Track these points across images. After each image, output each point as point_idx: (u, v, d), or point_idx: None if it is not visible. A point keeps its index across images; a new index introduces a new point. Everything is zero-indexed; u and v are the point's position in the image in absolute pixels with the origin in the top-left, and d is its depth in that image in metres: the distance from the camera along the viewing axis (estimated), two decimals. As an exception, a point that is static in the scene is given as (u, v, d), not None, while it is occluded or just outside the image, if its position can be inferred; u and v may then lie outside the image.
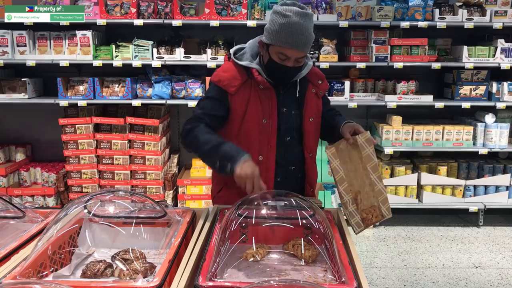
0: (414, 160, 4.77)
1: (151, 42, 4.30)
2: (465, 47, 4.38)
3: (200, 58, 4.31)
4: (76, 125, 4.33)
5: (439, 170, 4.60)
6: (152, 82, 4.40)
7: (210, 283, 1.31)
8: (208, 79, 4.29)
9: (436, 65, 4.35)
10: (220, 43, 4.40)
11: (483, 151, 4.47)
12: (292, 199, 1.71)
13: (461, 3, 4.41)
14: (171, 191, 4.52)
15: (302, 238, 1.63)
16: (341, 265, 1.43)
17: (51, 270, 1.50)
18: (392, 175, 4.63)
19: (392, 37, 4.46)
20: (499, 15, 4.32)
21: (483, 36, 4.71)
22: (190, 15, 4.31)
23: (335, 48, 4.41)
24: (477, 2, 4.44)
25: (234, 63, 2.05)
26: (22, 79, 4.35)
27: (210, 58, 4.28)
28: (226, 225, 1.62)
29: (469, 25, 4.30)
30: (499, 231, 4.54)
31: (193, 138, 1.95)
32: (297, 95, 2.07)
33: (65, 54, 4.30)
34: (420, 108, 4.72)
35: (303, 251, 1.58)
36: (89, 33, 4.22)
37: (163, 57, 4.29)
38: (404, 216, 4.76)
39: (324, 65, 4.29)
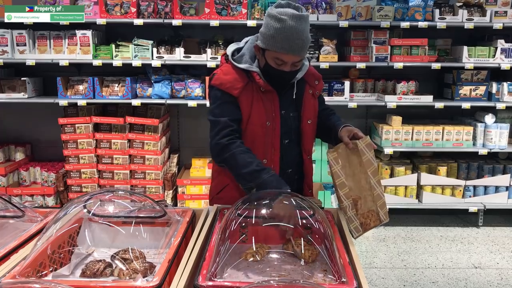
0: (414, 160, 4.77)
1: (151, 42, 4.30)
2: (465, 48, 4.38)
3: (200, 58, 4.31)
4: (76, 125, 4.33)
5: (439, 170, 4.60)
6: (152, 81, 4.40)
7: (210, 283, 1.31)
8: (208, 78, 4.31)
9: (436, 65, 4.35)
10: (220, 43, 4.40)
11: (483, 151, 4.46)
12: (292, 199, 1.70)
13: (461, 4, 4.41)
14: (171, 191, 4.52)
15: (302, 238, 1.62)
16: (341, 265, 1.43)
17: (51, 269, 1.50)
18: (391, 175, 4.63)
19: (392, 37, 4.46)
20: (499, 16, 4.32)
21: (483, 37, 4.71)
22: (190, 14, 4.31)
23: (335, 48, 4.41)
24: (477, 2, 4.44)
25: (233, 65, 2.01)
26: (22, 79, 4.35)
27: (210, 58, 4.28)
28: (226, 224, 1.62)
29: (469, 25, 4.30)
30: (499, 231, 4.54)
31: (230, 157, 1.90)
32: (294, 97, 2.06)
33: (65, 54, 4.30)
34: (420, 108, 4.72)
35: (303, 251, 1.58)
36: (89, 33, 4.22)
37: (163, 57, 4.28)
38: (404, 216, 4.76)
39: (324, 65, 4.29)
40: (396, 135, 4.49)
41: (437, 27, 4.29)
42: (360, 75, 4.71)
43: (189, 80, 4.39)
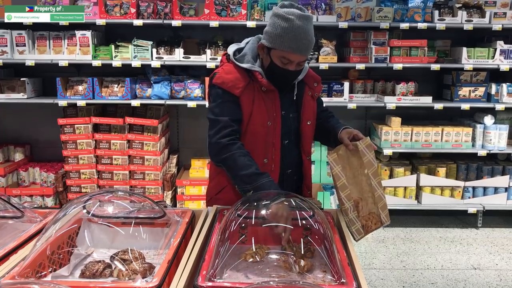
0: (413, 161, 4.77)
1: (150, 42, 4.30)
2: (465, 49, 4.38)
3: (200, 59, 4.31)
4: (75, 125, 4.32)
5: (438, 171, 4.60)
6: (152, 82, 4.40)
7: (210, 284, 1.31)
8: (207, 79, 4.31)
9: (436, 67, 4.35)
10: (220, 44, 4.40)
11: (482, 152, 4.47)
12: (292, 200, 1.70)
13: (460, 5, 4.42)
14: (170, 192, 4.52)
15: (299, 245, 1.62)
16: (340, 266, 1.43)
17: (50, 270, 1.50)
18: (391, 176, 4.63)
19: (392, 38, 4.47)
20: (499, 17, 4.33)
21: (482, 38, 4.72)
22: (190, 15, 4.31)
23: (334, 49, 4.41)
24: (476, 3, 4.45)
25: (235, 65, 2.00)
26: (21, 79, 4.35)
27: (210, 59, 4.28)
28: (226, 225, 1.62)
29: (468, 26, 4.30)
30: (498, 232, 4.55)
31: (229, 157, 1.89)
32: (295, 98, 2.06)
33: (64, 54, 4.30)
34: (419, 109, 4.73)
35: (299, 263, 1.57)
36: (88, 33, 4.22)
37: (163, 57, 4.28)
38: (403, 217, 4.76)
39: (323, 66, 4.29)
40: (396, 136, 4.49)
41: (437, 28, 4.29)
42: (359, 76, 4.72)
43: (189, 81, 4.39)
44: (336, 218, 1.91)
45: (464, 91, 4.53)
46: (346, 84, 4.46)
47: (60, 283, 1.25)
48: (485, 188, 4.61)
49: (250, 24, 4.18)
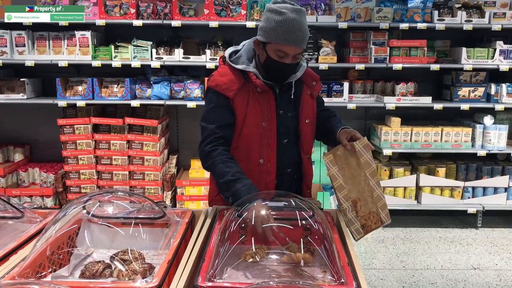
0: (413, 161, 4.77)
1: (150, 43, 4.30)
2: (464, 49, 4.38)
3: (199, 59, 4.31)
4: (75, 126, 4.32)
5: (438, 171, 4.61)
6: (151, 82, 4.40)
7: (209, 284, 1.31)
8: (207, 80, 4.31)
9: (435, 67, 4.35)
10: (220, 44, 4.40)
11: (482, 152, 4.47)
12: (291, 200, 1.71)
13: (460, 5, 4.42)
14: (170, 192, 4.52)
15: (301, 241, 1.62)
16: (340, 266, 1.43)
17: (50, 270, 1.50)
18: (390, 176, 4.63)
19: (391, 39, 4.47)
20: (498, 17, 4.33)
21: (482, 38, 4.72)
22: (189, 15, 4.31)
23: (334, 49, 4.42)
24: (476, 4, 4.45)
25: (230, 66, 2.03)
26: (21, 79, 4.35)
27: (209, 59, 4.28)
28: (226, 225, 1.62)
29: (468, 26, 4.31)
30: (498, 232, 4.55)
31: (211, 165, 1.96)
32: (292, 97, 2.07)
33: (64, 55, 4.30)
34: (419, 109, 4.73)
35: (302, 252, 1.58)
36: (88, 34, 4.22)
37: (162, 58, 4.28)
38: (403, 218, 4.76)
39: (323, 66, 4.29)
40: (395, 136, 4.50)
41: (436, 29, 4.29)
42: (359, 76, 4.72)
43: (188, 81, 4.39)
44: (336, 218, 1.91)
45: (463, 91, 4.54)
46: (346, 85, 4.47)
47: (60, 283, 1.25)
48: (484, 188, 4.61)
49: (250, 24, 4.18)
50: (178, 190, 4.53)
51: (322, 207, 1.97)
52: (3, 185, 4.40)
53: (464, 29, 4.31)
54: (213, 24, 4.18)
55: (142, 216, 1.78)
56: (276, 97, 2.04)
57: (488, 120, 4.48)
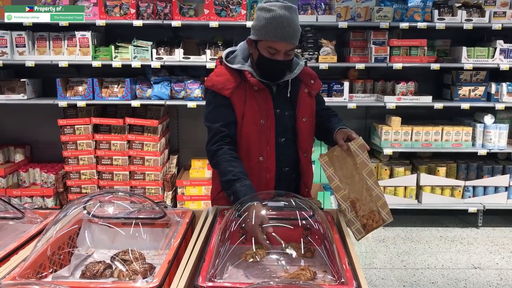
0: (413, 161, 4.77)
1: (150, 43, 4.30)
2: (464, 48, 4.38)
3: (200, 59, 4.31)
4: (75, 126, 4.33)
5: (438, 171, 4.60)
6: (152, 82, 4.40)
7: (210, 284, 1.32)
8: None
9: (435, 66, 4.35)
10: (220, 44, 4.40)
11: (482, 152, 4.47)
12: (291, 200, 1.71)
13: (460, 4, 4.42)
14: (170, 192, 4.52)
15: (301, 241, 1.62)
16: (340, 266, 1.43)
17: (51, 271, 1.50)
18: (391, 175, 4.63)
19: (391, 38, 4.47)
20: (498, 16, 4.33)
21: (482, 37, 4.71)
22: (190, 15, 4.31)
23: (334, 49, 4.41)
24: (476, 3, 4.45)
25: (226, 66, 2.05)
26: (21, 80, 4.35)
27: (210, 59, 4.28)
28: (226, 225, 1.62)
29: (468, 26, 4.30)
30: (498, 231, 4.55)
31: (216, 163, 1.99)
32: (289, 96, 2.07)
33: (64, 55, 4.30)
34: (419, 109, 4.73)
35: (302, 252, 1.58)
36: (88, 34, 4.22)
37: (163, 58, 4.29)
38: (403, 217, 4.76)
39: (323, 66, 4.29)
40: (396, 136, 4.49)
41: (436, 28, 4.29)
42: (359, 76, 4.72)
43: (189, 81, 4.39)
44: (336, 218, 1.91)
45: (464, 90, 4.53)
46: (346, 84, 4.46)
47: (61, 283, 1.25)
48: (485, 188, 4.61)
49: (250, 24, 4.16)
50: (179, 190, 4.54)
51: (322, 207, 1.97)
52: (4, 185, 4.40)
53: (464, 28, 4.31)
54: (213, 24, 4.18)
55: (143, 216, 1.78)
56: (273, 96, 2.05)
57: (488, 119, 4.48)
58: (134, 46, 4.28)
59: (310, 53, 4.33)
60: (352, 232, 1.90)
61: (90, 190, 4.43)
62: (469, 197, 4.60)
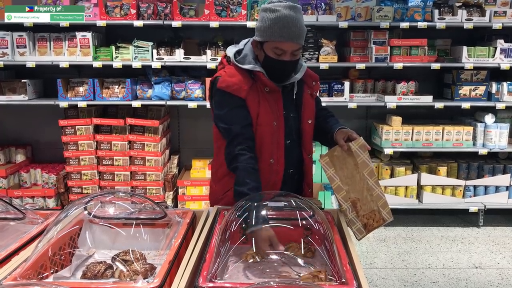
0: (414, 160, 4.77)
1: (151, 43, 4.30)
2: (465, 48, 4.38)
3: (200, 59, 4.31)
4: (76, 126, 4.33)
5: (439, 170, 4.60)
6: (152, 83, 4.41)
7: (210, 284, 1.32)
8: (208, 80, 4.31)
9: (436, 66, 4.35)
10: (220, 44, 4.41)
11: (483, 151, 4.47)
12: (292, 200, 1.71)
13: (460, 4, 4.41)
14: (171, 192, 4.52)
15: (302, 242, 1.62)
16: (341, 266, 1.43)
17: (52, 271, 1.51)
18: (392, 175, 4.63)
19: (392, 38, 4.46)
20: (499, 16, 4.33)
21: (482, 37, 4.71)
22: (190, 16, 4.31)
23: (334, 48, 4.41)
24: (476, 2, 4.44)
25: (236, 67, 2.00)
26: (22, 81, 4.36)
27: (210, 59, 4.28)
28: (226, 226, 1.62)
29: (468, 25, 4.30)
30: (499, 231, 4.54)
31: (235, 169, 1.93)
32: (294, 97, 2.06)
33: (65, 56, 4.30)
34: (419, 108, 4.72)
35: (303, 252, 1.58)
36: (89, 34, 4.22)
37: (163, 58, 4.29)
38: (404, 217, 4.76)
39: (324, 66, 4.29)
40: (396, 136, 4.49)
41: (437, 27, 4.29)
42: (360, 76, 4.72)
43: (189, 81, 4.39)
44: (337, 218, 1.92)
45: (464, 90, 4.53)
46: (347, 84, 4.47)
47: (62, 284, 1.26)
48: (486, 187, 4.61)
49: (250, 24, 4.19)
50: (180, 190, 4.54)
51: (323, 207, 1.97)
52: (5, 186, 4.41)
53: (464, 28, 4.30)
54: (214, 24, 4.18)
55: (143, 216, 1.79)
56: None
57: (489, 118, 4.48)
58: (134, 46, 4.29)
59: (311, 53, 4.33)
60: (353, 232, 1.90)
61: (91, 191, 4.43)
62: (470, 196, 4.60)
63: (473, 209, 4.54)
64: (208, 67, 4.28)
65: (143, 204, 1.83)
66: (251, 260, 1.55)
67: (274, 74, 1.98)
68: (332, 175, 1.93)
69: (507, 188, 4.58)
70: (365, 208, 1.92)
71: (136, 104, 4.31)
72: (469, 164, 4.66)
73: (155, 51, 4.29)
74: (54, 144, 4.66)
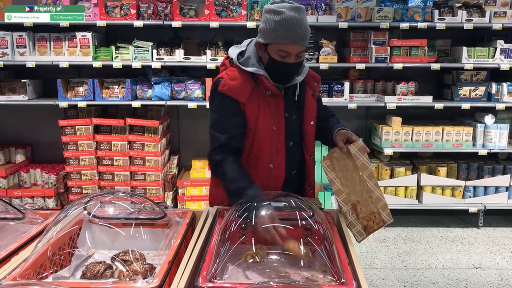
0: (414, 161, 4.77)
1: (150, 43, 4.30)
2: (465, 48, 4.38)
3: (200, 59, 4.31)
4: (76, 127, 4.33)
5: (439, 171, 4.60)
6: (152, 83, 4.41)
7: (210, 284, 1.32)
8: (208, 80, 4.32)
9: (436, 66, 4.35)
10: (220, 44, 4.41)
11: (483, 152, 4.47)
12: (291, 200, 1.71)
13: (460, 4, 4.41)
14: (171, 192, 4.52)
15: (301, 242, 1.62)
16: (340, 266, 1.43)
17: (51, 271, 1.51)
18: (391, 176, 4.63)
19: (392, 38, 4.47)
20: (499, 16, 4.33)
21: (482, 37, 4.71)
22: (190, 16, 4.31)
23: (334, 49, 4.41)
24: (476, 3, 4.44)
25: (239, 69, 1.97)
26: (22, 81, 4.36)
27: (210, 59, 4.28)
28: (226, 226, 1.62)
29: (468, 26, 4.30)
30: (499, 232, 4.54)
31: (222, 173, 1.94)
32: (296, 99, 2.05)
33: (65, 56, 4.30)
34: (419, 109, 4.72)
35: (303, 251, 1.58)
36: (88, 35, 4.23)
37: (163, 58, 4.29)
38: (404, 217, 4.76)
39: (323, 66, 4.29)
40: (396, 136, 4.49)
41: (437, 28, 4.29)
42: (359, 76, 4.72)
43: (189, 82, 4.39)
44: (337, 218, 1.92)
45: (464, 90, 4.53)
46: (347, 84, 4.47)
47: (61, 284, 1.26)
48: (486, 188, 4.61)
49: (250, 24, 4.19)
50: (179, 191, 4.54)
51: (322, 207, 1.97)
52: (5, 186, 4.41)
53: (464, 28, 4.30)
54: (214, 24, 4.18)
55: (143, 216, 1.79)
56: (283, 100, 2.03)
57: (489, 119, 4.48)
58: (134, 46, 4.29)
59: (311, 53, 4.33)
60: (353, 234, 1.90)
61: (91, 191, 4.43)
62: (470, 197, 4.60)
63: (472, 209, 4.54)
64: (208, 67, 4.28)
65: (143, 204, 1.84)
66: (251, 260, 1.55)
67: (278, 76, 1.96)
68: (333, 178, 1.92)
69: (507, 188, 4.58)
70: (365, 210, 1.92)
71: (136, 104, 4.31)
72: (469, 164, 4.67)
73: (155, 51, 4.29)
74: (54, 144, 4.66)
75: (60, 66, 4.25)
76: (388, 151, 4.49)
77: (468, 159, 4.71)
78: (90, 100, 4.31)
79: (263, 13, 1.91)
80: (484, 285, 3.50)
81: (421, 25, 4.27)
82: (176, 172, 4.79)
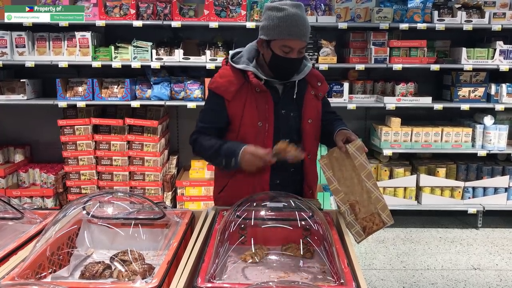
0: (413, 161, 4.77)
1: (150, 43, 4.30)
2: (464, 49, 4.38)
3: (199, 60, 4.31)
4: (75, 126, 4.33)
5: (438, 171, 4.60)
6: (151, 83, 4.40)
7: (209, 285, 1.32)
8: (207, 80, 4.32)
9: (435, 67, 4.35)
10: (220, 45, 4.41)
11: (482, 152, 4.47)
12: (291, 201, 1.71)
13: (460, 5, 4.42)
14: (170, 192, 4.52)
15: (301, 242, 1.62)
16: (340, 267, 1.43)
17: (50, 271, 1.50)
18: (391, 176, 4.63)
19: (391, 39, 4.47)
20: (498, 17, 4.33)
21: (482, 38, 4.72)
22: (189, 16, 4.31)
23: (334, 49, 4.42)
24: (476, 4, 4.45)
25: (232, 67, 2.06)
26: (21, 80, 4.35)
27: (209, 59, 4.28)
28: (225, 226, 1.62)
29: (468, 27, 4.31)
30: (498, 232, 4.55)
31: (200, 147, 2.07)
32: (295, 97, 2.07)
33: (64, 55, 4.30)
34: (419, 109, 4.73)
35: (302, 252, 1.58)
36: (88, 34, 4.22)
37: (162, 58, 4.29)
38: (403, 218, 4.76)
39: (323, 67, 4.29)
40: (395, 137, 4.50)
41: (436, 29, 4.29)
42: (359, 77, 4.72)
43: (188, 82, 4.39)
44: (336, 219, 1.91)
45: (463, 91, 4.53)
46: (346, 85, 4.47)
47: (60, 284, 1.26)
48: (485, 189, 4.61)
49: (250, 24, 4.19)
50: (178, 191, 4.53)
51: (322, 208, 1.97)
52: (4, 186, 4.40)
53: (464, 29, 4.31)
54: (213, 24, 4.18)
55: (142, 216, 1.78)
56: (278, 97, 2.05)
57: (488, 120, 4.48)
58: (134, 46, 4.28)
59: (310, 53, 4.33)
60: (352, 235, 1.89)
61: (90, 191, 4.42)
62: (469, 198, 4.60)
63: (471, 210, 4.54)
64: (207, 68, 4.28)
65: (142, 204, 1.83)
66: (250, 261, 1.55)
67: (281, 72, 2.02)
68: (330, 177, 1.92)
69: (506, 189, 4.59)
70: (364, 211, 1.91)
71: (135, 104, 4.31)
72: (468, 165, 4.67)
73: (154, 51, 4.29)
74: (52, 144, 4.65)
75: (59, 66, 4.24)
76: (387, 152, 4.49)
77: (467, 160, 4.72)
78: (89, 100, 4.31)
79: (264, 11, 1.96)
80: (483, 286, 3.51)
81: (421, 26, 4.28)
82: (175, 172, 4.78)
